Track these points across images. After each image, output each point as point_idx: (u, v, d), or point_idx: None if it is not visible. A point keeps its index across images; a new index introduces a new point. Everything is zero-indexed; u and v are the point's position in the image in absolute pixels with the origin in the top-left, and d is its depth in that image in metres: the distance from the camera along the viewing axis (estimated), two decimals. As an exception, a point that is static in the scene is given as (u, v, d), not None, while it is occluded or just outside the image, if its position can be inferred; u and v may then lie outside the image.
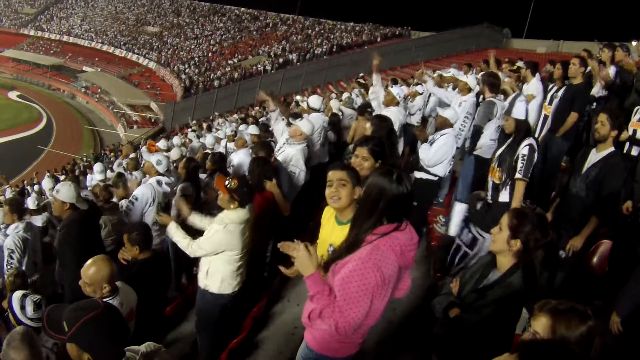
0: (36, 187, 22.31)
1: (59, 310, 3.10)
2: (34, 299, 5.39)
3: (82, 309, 3.00)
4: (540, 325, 2.98)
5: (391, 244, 3.43)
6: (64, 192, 6.68)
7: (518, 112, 6.31)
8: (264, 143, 8.35)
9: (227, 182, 5.73)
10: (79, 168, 33.41)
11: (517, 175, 6.29)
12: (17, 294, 5.66)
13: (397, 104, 9.27)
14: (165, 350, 3.46)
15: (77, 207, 6.75)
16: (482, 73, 11.19)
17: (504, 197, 6.59)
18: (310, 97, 11.87)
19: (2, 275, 7.50)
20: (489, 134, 8.87)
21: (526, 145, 6.36)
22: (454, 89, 11.87)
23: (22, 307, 5.23)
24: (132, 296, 5.11)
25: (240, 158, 9.96)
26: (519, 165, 6.30)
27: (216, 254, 5.90)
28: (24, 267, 7.55)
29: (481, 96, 9.25)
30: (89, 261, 4.71)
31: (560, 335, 2.91)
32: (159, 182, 8.25)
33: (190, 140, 19.30)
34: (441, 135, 8.08)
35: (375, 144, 5.46)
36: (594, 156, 6.06)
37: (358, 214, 3.62)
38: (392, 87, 9.95)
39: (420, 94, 13.02)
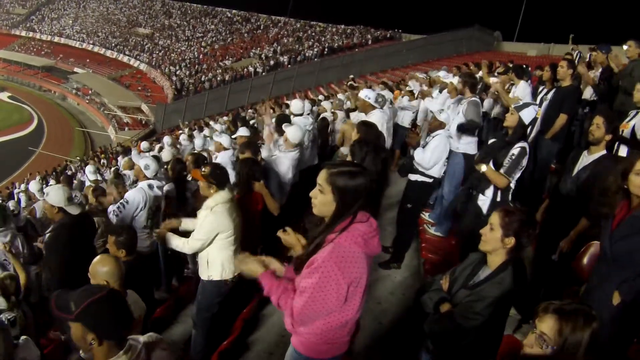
0: (22, 186, 22.26)
1: (67, 292, 3.21)
2: (9, 317, 5.41)
3: (89, 290, 3.14)
4: (548, 327, 2.95)
5: (352, 236, 3.44)
6: (53, 195, 6.62)
7: (525, 116, 6.32)
8: (250, 142, 8.32)
9: (202, 170, 6.04)
10: (71, 170, 33.37)
11: (501, 171, 6.29)
12: None
13: (371, 106, 9.19)
14: (165, 341, 3.55)
15: (67, 211, 6.66)
16: (460, 74, 11.25)
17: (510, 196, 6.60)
18: (292, 101, 11.86)
19: None
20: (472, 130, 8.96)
21: (518, 147, 6.33)
22: (440, 91, 11.91)
23: None
24: (140, 305, 5.09)
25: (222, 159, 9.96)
26: (506, 161, 6.29)
27: (211, 242, 6.04)
28: None
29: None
30: (98, 257, 4.79)
31: (566, 337, 2.90)
32: (150, 186, 8.17)
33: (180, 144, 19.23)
34: (434, 137, 8.10)
35: (361, 150, 5.59)
36: (586, 158, 6.10)
37: (333, 219, 3.56)
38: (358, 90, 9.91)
39: (414, 96, 13.11)
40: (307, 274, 3.48)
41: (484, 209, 6.47)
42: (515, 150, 6.33)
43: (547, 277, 6.30)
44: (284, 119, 9.82)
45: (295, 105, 10.98)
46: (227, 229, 6.03)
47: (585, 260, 5.69)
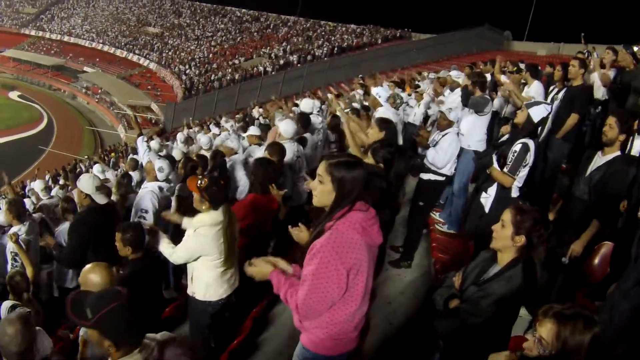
0: (33, 184, 22.28)
1: (82, 296, 3.25)
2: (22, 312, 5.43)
3: (106, 297, 3.15)
4: (545, 330, 2.97)
5: (349, 223, 3.50)
6: (83, 182, 7.01)
7: (534, 114, 6.30)
8: (279, 145, 8.27)
9: (198, 181, 5.58)
10: (80, 168, 33.45)
11: (504, 170, 6.26)
12: (6, 304, 5.78)
13: (380, 104, 9.18)
14: (179, 339, 3.56)
15: (94, 199, 7.00)
16: (469, 74, 11.22)
17: (514, 192, 6.57)
18: (302, 100, 11.88)
19: (3, 276, 7.50)
20: (482, 128, 8.99)
21: (520, 143, 6.31)
22: (452, 90, 11.89)
23: None
24: None
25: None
26: (509, 159, 6.27)
27: (195, 260, 5.81)
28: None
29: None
30: (89, 265, 4.74)
31: (564, 340, 2.90)
32: (160, 189, 8.10)
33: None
34: (443, 136, 8.10)
35: (387, 152, 5.57)
36: (599, 159, 6.03)
37: (332, 208, 3.61)
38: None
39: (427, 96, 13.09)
40: (307, 261, 3.54)
41: (487, 207, 6.46)
42: (516, 146, 6.31)
43: (558, 278, 6.26)
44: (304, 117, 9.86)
45: (306, 103, 11.07)
46: (211, 252, 5.72)
47: (596, 261, 5.67)
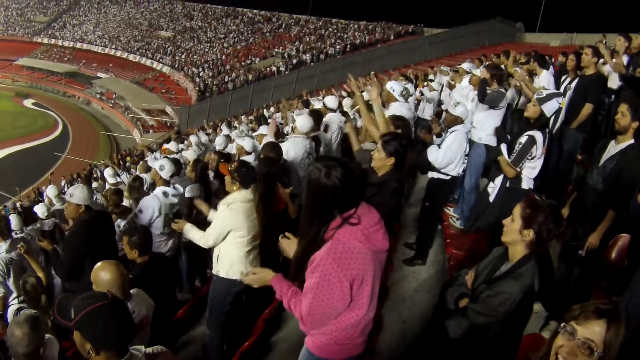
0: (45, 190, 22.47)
1: (71, 298, 3.20)
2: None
3: (90, 298, 3.09)
4: (591, 332, 2.72)
5: (350, 231, 3.37)
6: (77, 195, 6.80)
7: (548, 109, 6.24)
8: (273, 144, 8.21)
9: (229, 165, 6.09)
10: (96, 173, 33.61)
11: (507, 160, 6.21)
12: (13, 307, 5.81)
13: (395, 98, 9.07)
14: (171, 354, 3.53)
15: (90, 208, 6.91)
16: (486, 64, 11.09)
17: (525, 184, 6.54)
18: (327, 97, 11.92)
19: None
20: (495, 122, 8.85)
21: (526, 135, 6.30)
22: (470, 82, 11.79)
23: None
24: (148, 303, 5.12)
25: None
26: (514, 151, 6.26)
27: (224, 238, 6.04)
28: (11, 287, 7.61)
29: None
30: (99, 263, 4.73)
31: (611, 340, 2.73)
32: (165, 194, 8.04)
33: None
34: (450, 133, 7.96)
35: (399, 144, 5.44)
36: (613, 148, 5.89)
37: (306, 215, 3.52)
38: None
39: (436, 90, 12.98)
40: (308, 273, 3.43)
41: (491, 197, 6.55)
42: (522, 138, 6.33)
43: (574, 271, 6.15)
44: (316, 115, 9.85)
45: (330, 100, 11.14)
46: (241, 228, 5.99)
47: (613, 254, 5.54)
